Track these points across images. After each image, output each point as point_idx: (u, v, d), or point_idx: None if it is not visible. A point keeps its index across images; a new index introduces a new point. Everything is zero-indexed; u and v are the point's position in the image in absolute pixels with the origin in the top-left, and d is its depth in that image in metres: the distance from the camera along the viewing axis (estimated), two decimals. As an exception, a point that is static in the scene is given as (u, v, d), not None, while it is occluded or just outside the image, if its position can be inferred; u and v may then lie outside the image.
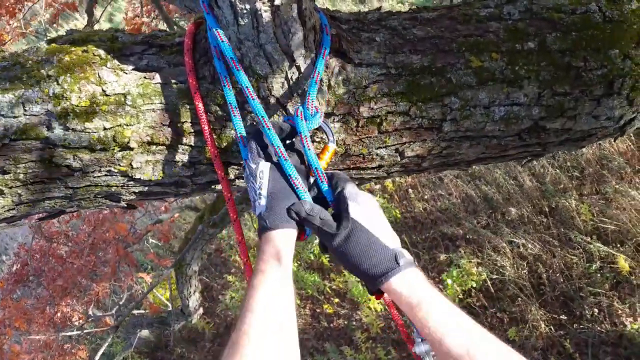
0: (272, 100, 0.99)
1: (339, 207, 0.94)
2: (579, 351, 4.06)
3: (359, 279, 0.95)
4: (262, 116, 0.93)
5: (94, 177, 1.02)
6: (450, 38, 1.03)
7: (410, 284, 0.86)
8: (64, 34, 1.08)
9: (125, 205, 1.13)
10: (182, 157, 1.04)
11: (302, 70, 0.97)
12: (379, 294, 0.92)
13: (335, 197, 0.96)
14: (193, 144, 1.03)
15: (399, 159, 1.10)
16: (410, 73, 1.02)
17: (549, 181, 5.07)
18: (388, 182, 5.83)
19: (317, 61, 0.97)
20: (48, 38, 1.10)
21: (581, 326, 4.21)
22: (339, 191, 0.95)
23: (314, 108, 0.96)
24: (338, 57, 1.00)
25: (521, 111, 1.06)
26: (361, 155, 1.08)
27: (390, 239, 0.91)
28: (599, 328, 4.11)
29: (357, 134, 1.04)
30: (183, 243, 2.99)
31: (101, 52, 1.00)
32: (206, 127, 0.99)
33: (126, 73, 0.99)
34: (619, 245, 4.35)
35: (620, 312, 4.09)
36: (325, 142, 1.05)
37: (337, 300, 5.22)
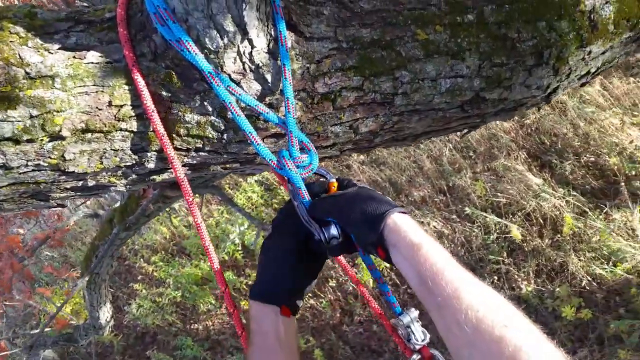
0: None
1: (344, 186, 1.04)
2: (484, 317, 4.35)
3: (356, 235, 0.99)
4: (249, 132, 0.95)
5: (20, 173, 0.89)
6: (396, 11, 1.03)
7: (411, 224, 0.89)
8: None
9: (55, 205, 1.00)
10: (122, 144, 0.94)
11: (255, 44, 0.92)
12: (378, 245, 0.91)
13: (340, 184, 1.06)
14: (135, 129, 0.93)
15: (353, 135, 1.08)
16: (362, 47, 1.00)
17: (445, 162, 5.37)
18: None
19: (281, 53, 0.94)
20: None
21: (484, 294, 4.51)
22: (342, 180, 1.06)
23: (304, 145, 1.02)
24: (288, 30, 0.96)
25: (464, 83, 1.09)
26: (316, 134, 1.05)
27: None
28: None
29: (312, 111, 1.01)
30: (90, 250, 2.76)
31: (19, 29, 0.87)
32: (148, 104, 0.90)
33: (52, 53, 0.87)
34: (511, 216, 4.71)
35: (516, 277, 4.43)
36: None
37: (253, 296, 5.14)
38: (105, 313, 3.26)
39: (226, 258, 5.24)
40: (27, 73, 0.84)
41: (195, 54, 0.87)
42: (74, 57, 0.88)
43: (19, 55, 0.84)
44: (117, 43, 0.91)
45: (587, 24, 1.13)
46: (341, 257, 1.20)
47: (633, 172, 4.32)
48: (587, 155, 4.76)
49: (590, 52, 1.17)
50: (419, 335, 1.00)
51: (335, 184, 1.05)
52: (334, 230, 0.98)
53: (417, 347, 0.99)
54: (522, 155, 5.05)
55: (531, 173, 4.82)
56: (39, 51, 0.86)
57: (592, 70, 1.24)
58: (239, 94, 0.92)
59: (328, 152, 1.13)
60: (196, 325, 5.39)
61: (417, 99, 1.07)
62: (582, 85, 1.32)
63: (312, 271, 1.06)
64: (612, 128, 4.73)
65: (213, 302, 5.25)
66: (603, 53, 1.21)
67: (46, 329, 3.83)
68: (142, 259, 5.79)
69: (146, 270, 5.68)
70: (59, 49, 0.88)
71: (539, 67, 1.13)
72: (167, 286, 5.42)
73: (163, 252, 5.79)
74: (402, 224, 0.88)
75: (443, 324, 0.77)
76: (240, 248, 5.26)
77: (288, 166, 0.98)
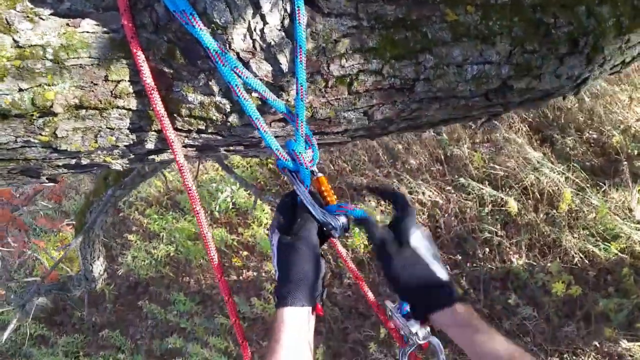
0: (232, 56, 0.84)
1: (399, 234, 0.99)
2: (473, 287, 4.38)
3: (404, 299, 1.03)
4: (256, 118, 0.86)
5: (8, 149, 0.81)
6: (425, -13, 0.93)
7: (462, 316, 0.93)
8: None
9: (47, 181, 0.93)
10: (119, 123, 0.86)
11: (267, 19, 0.83)
12: (425, 320, 0.97)
13: (395, 224, 1.01)
14: (133, 107, 0.85)
15: (366, 122, 1.00)
16: (384, 26, 0.91)
17: (444, 131, 5.28)
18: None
19: (296, 32, 0.84)
20: None
21: (474, 264, 4.51)
22: (400, 218, 1.01)
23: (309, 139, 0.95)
24: (305, 4, 0.86)
25: (492, 70, 1.00)
26: (327, 119, 0.97)
27: (443, 270, 0.99)
28: (489, 265, 4.43)
29: (326, 95, 0.93)
30: (85, 205, 2.71)
31: (6, -11, 0.77)
32: (148, 80, 0.81)
33: (43, 19, 0.78)
34: (507, 189, 4.67)
35: (508, 249, 4.43)
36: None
37: (245, 253, 5.14)
38: (99, 267, 3.24)
39: (217, 215, 5.22)
40: (15, 41, 0.76)
41: (200, 29, 0.78)
42: (67, 24, 0.79)
43: (6, 20, 0.75)
44: (115, 11, 0.82)
45: (630, 9, 1.04)
46: (341, 249, 1.19)
47: (635, 152, 4.26)
48: (590, 132, 4.68)
49: (628, 40, 1.08)
50: (423, 335, 1.00)
51: (324, 180, 1.01)
52: (344, 219, 0.97)
53: (420, 342, 1.00)
54: (523, 128, 4.96)
55: (531, 147, 4.75)
56: (28, 16, 0.77)
57: (627, 59, 1.16)
58: (246, 77, 0.83)
59: (338, 139, 1.05)
60: (188, 278, 5.41)
61: (439, 86, 0.98)
62: (612, 74, 1.24)
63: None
64: (619, 105, 4.63)
65: (205, 257, 5.26)
66: (641, 42, 1.12)
67: (40, 277, 3.83)
68: (136, 211, 5.76)
69: (140, 222, 5.66)
70: (51, 14, 0.79)
71: (572, 55, 1.05)
72: (161, 239, 5.41)
73: (157, 206, 5.75)
74: (459, 311, 0.93)
75: None
76: (232, 206, 5.23)
77: (302, 161, 0.92)
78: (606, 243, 3.89)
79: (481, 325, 0.92)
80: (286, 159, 0.92)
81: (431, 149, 5.25)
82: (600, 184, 4.24)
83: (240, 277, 5.24)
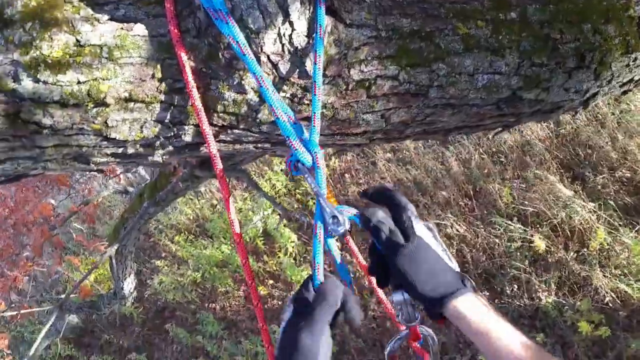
0: (263, 58, 0.94)
1: (402, 225, 0.92)
2: (501, 325, 4.29)
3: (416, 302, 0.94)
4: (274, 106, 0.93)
5: (65, 135, 0.93)
6: (438, 3, 1.04)
7: (477, 307, 0.85)
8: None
9: (95, 169, 1.05)
10: (162, 116, 0.97)
11: (295, 26, 0.93)
12: (440, 318, 0.89)
13: (396, 217, 0.94)
14: (175, 103, 0.97)
15: (384, 125, 1.09)
16: (400, 37, 1.01)
17: (474, 166, 5.29)
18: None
19: (315, 38, 0.93)
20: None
21: (502, 301, 4.45)
22: (401, 210, 0.94)
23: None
24: (329, 15, 0.97)
25: (501, 80, 1.09)
26: (347, 120, 1.06)
27: (452, 262, 0.92)
28: (517, 302, 4.37)
29: (346, 97, 1.03)
30: (120, 222, 2.85)
31: (73, -2, 0.91)
32: (189, 79, 0.93)
33: (102, 23, 0.91)
34: (537, 227, 4.62)
35: (537, 287, 4.36)
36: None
37: (271, 281, 5.20)
38: (129, 284, 3.36)
39: (247, 240, 5.31)
40: (77, 41, 0.88)
41: (232, 24, 0.88)
42: (122, 28, 0.92)
43: (71, 23, 0.88)
44: (163, 17, 0.94)
45: (635, 29, 1.11)
46: (353, 246, 1.17)
47: (671, 191, 4.19)
48: (623, 170, 4.63)
49: (636, 59, 1.15)
50: (406, 317, 0.96)
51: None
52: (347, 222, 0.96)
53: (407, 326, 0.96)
54: (554, 165, 4.94)
55: (562, 184, 4.72)
56: (89, 21, 0.90)
57: (636, 77, 1.22)
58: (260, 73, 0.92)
59: (358, 140, 1.14)
60: (214, 304, 5.49)
61: (452, 93, 1.07)
62: (624, 93, 1.30)
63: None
64: (655, 144, 4.59)
65: (231, 284, 5.34)
66: (649, 61, 1.19)
67: (71, 296, 3.97)
68: (166, 238, 5.92)
69: (169, 249, 5.81)
70: (108, 19, 0.91)
71: (579, 70, 1.12)
72: (188, 266, 5.53)
73: (186, 233, 5.90)
74: (465, 308, 0.85)
75: None
76: (261, 234, 5.32)
77: (317, 161, 0.96)
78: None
79: (492, 319, 0.84)
80: (303, 150, 0.95)
81: (460, 183, 5.27)
82: (634, 223, 4.16)
83: (266, 306, 5.29)
